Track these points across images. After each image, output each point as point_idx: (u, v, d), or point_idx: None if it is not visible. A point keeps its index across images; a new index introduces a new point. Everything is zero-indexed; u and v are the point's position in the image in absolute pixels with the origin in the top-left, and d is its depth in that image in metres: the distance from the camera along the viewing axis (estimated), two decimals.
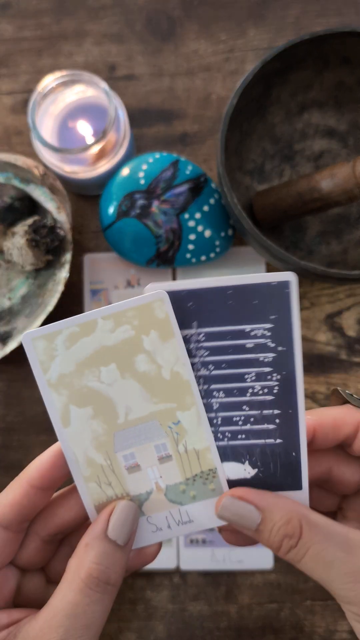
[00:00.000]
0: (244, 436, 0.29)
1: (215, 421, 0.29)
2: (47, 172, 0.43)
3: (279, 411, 0.28)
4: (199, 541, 0.45)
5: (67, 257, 0.42)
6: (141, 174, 0.42)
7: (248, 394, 0.28)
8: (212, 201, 0.43)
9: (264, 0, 0.49)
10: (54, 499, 0.29)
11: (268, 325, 0.28)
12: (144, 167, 0.42)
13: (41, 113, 0.42)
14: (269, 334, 0.28)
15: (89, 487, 0.29)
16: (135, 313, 0.28)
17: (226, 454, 0.29)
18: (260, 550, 0.45)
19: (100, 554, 0.26)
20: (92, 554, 0.26)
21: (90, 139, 0.44)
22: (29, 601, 0.29)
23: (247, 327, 0.28)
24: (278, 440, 0.29)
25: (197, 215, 0.42)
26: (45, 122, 0.43)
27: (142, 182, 0.42)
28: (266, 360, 0.28)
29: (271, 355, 0.28)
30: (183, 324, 0.28)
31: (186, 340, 0.29)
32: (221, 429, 0.29)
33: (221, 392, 0.29)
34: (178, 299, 0.28)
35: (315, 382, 0.46)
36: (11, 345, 0.43)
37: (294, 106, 0.45)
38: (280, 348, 0.28)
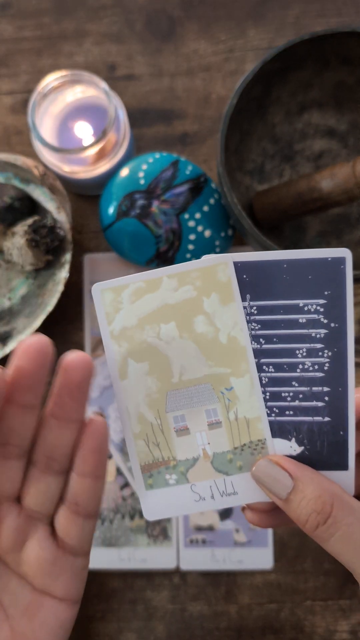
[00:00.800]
0: (291, 412, 0.29)
1: (263, 396, 0.29)
2: (47, 172, 0.43)
3: (328, 389, 0.28)
4: (199, 541, 0.45)
5: (67, 257, 0.42)
6: (141, 174, 0.42)
7: (298, 370, 0.28)
8: (212, 201, 0.43)
9: (264, 0, 0.49)
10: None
11: (322, 301, 0.28)
12: (144, 167, 0.42)
13: (41, 113, 0.42)
14: (322, 309, 0.28)
15: (137, 444, 0.29)
16: (199, 274, 0.28)
17: (273, 430, 0.29)
18: (260, 550, 0.45)
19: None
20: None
21: (90, 139, 0.44)
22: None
23: (301, 302, 0.28)
24: (326, 419, 0.28)
25: (197, 215, 0.42)
26: (45, 122, 0.43)
27: (142, 182, 0.42)
28: (318, 336, 0.28)
29: (323, 331, 0.28)
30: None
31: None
32: (269, 404, 0.29)
33: (271, 367, 0.29)
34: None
35: None
36: (11, 345, 0.43)
37: (294, 106, 0.45)
38: (332, 324, 0.28)
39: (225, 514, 0.45)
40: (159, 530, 0.45)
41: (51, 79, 0.41)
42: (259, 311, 0.28)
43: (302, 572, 0.45)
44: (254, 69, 0.38)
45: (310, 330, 0.28)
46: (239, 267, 0.29)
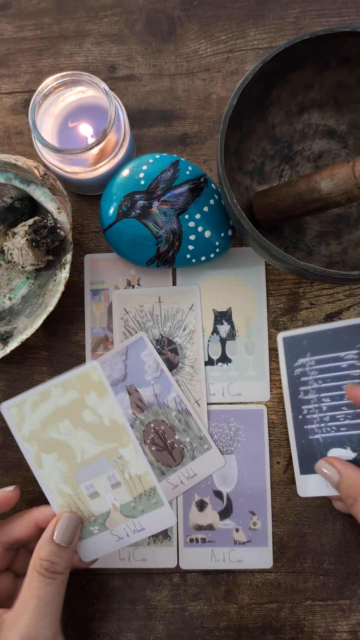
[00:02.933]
0: (345, 429, 0.42)
1: (325, 418, 0.43)
2: (47, 172, 0.43)
3: None
4: (199, 541, 0.45)
5: (68, 257, 0.42)
6: (141, 175, 0.42)
7: (345, 398, 0.42)
8: (212, 202, 0.43)
9: (264, 0, 0.49)
10: (11, 518, 0.40)
11: (355, 352, 0.43)
12: (144, 167, 0.42)
13: (41, 113, 0.42)
14: (356, 357, 0.43)
15: (63, 510, 0.39)
16: (78, 380, 0.38)
17: (333, 443, 0.42)
18: (260, 549, 0.45)
19: (48, 553, 0.36)
20: (42, 553, 0.36)
21: (90, 140, 0.44)
22: (5, 596, 0.40)
23: (342, 354, 0.43)
24: None
25: (197, 216, 0.42)
26: (46, 123, 0.43)
27: (142, 182, 0.42)
28: (355, 374, 0.42)
29: (358, 371, 0.42)
30: (300, 354, 0.44)
31: (302, 365, 0.44)
32: (329, 424, 0.42)
33: (327, 398, 0.43)
34: (297, 339, 0.44)
35: None
36: (11, 345, 0.43)
37: (294, 106, 0.45)
38: None
39: (225, 513, 0.45)
40: None
41: (52, 80, 0.41)
42: (316, 362, 0.43)
43: (302, 572, 0.45)
44: (254, 69, 0.38)
45: (350, 371, 0.43)
46: (300, 337, 0.44)
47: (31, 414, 0.38)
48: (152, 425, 0.46)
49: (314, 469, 0.40)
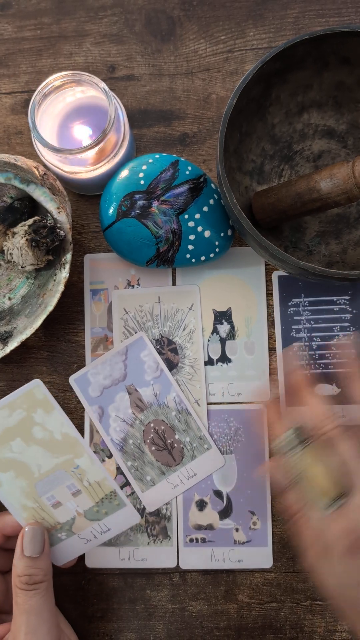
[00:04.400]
0: (332, 367, 0.46)
1: (314, 356, 0.46)
2: (47, 172, 0.43)
3: (354, 351, 0.45)
4: (199, 540, 0.45)
5: (68, 257, 0.42)
6: (141, 175, 0.42)
7: (335, 339, 0.46)
8: (211, 201, 0.43)
9: (264, 0, 0.49)
10: None
11: (347, 297, 0.46)
12: (144, 167, 0.42)
13: (41, 113, 0.42)
14: (347, 302, 0.46)
15: (28, 522, 0.40)
16: (23, 399, 0.40)
17: (320, 379, 0.45)
18: (259, 549, 0.45)
19: (24, 568, 0.37)
20: (18, 570, 0.37)
21: (90, 140, 0.44)
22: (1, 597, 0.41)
23: (334, 298, 0.46)
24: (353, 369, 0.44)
25: (197, 216, 0.42)
26: (46, 123, 0.43)
27: (142, 182, 0.42)
28: (346, 318, 0.46)
29: (349, 315, 0.46)
30: (294, 294, 0.46)
31: (296, 304, 0.46)
32: (318, 361, 0.46)
33: (318, 338, 0.46)
34: (292, 279, 0.46)
35: None
36: (11, 345, 0.43)
37: (294, 106, 0.45)
38: (354, 311, 0.46)
39: (225, 513, 0.45)
40: (158, 530, 0.45)
41: (51, 80, 0.41)
42: (309, 303, 0.46)
43: (302, 571, 0.45)
44: (253, 69, 0.38)
45: (341, 315, 0.46)
46: (294, 278, 0.46)
47: None
48: (152, 425, 0.46)
49: (256, 472, 0.41)
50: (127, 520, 0.42)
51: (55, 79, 0.41)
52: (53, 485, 0.41)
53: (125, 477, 0.45)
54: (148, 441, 0.46)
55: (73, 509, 0.41)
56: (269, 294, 0.47)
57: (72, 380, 0.46)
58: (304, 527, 0.36)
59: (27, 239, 0.42)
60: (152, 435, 0.46)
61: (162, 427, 0.46)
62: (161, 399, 0.46)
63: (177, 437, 0.45)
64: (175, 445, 0.45)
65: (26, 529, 0.39)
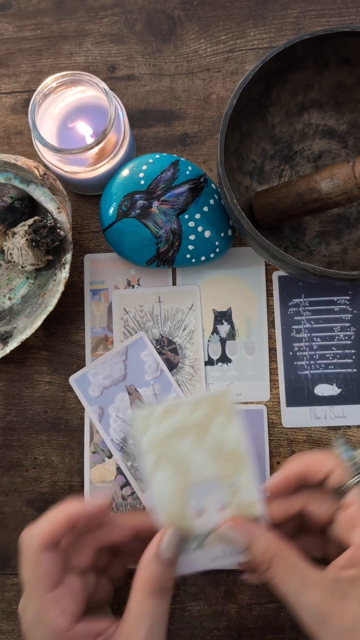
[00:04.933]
0: (332, 367, 0.46)
1: (315, 356, 0.46)
2: (47, 172, 0.43)
3: (355, 351, 0.46)
4: None
5: (68, 257, 0.42)
6: (141, 175, 0.42)
7: (335, 339, 0.46)
8: (212, 202, 0.43)
9: (264, 0, 0.49)
10: (111, 521, 0.38)
11: (347, 298, 0.46)
12: (144, 167, 0.42)
13: (41, 113, 0.42)
14: (348, 302, 0.46)
15: (167, 524, 0.38)
16: (208, 402, 0.38)
17: (321, 379, 0.46)
18: None
19: (157, 571, 0.34)
20: (150, 573, 0.34)
21: (90, 140, 0.44)
22: (103, 599, 0.39)
23: (335, 298, 0.46)
24: (354, 370, 0.46)
25: (197, 216, 0.42)
26: (46, 122, 0.43)
27: (142, 182, 0.42)
28: (346, 318, 0.46)
29: (349, 315, 0.46)
30: (295, 294, 0.46)
31: (296, 304, 0.46)
32: (318, 361, 0.46)
33: (318, 338, 0.46)
34: (292, 279, 0.46)
35: None
36: (11, 345, 0.43)
37: (294, 106, 0.45)
38: (355, 311, 0.46)
39: None
40: None
41: (51, 79, 0.41)
42: (310, 304, 0.46)
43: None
44: (254, 69, 0.38)
45: (341, 315, 0.46)
46: (295, 278, 0.46)
47: (156, 426, 0.38)
48: None
49: (217, 534, 0.38)
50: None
51: (55, 79, 0.41)
52: (204, 494, 0.38)
53: (125, 477, 0.45)
54: None
55: (213, 524, 0.38)
56: (269, 294, 0.47)
57: (72, 380, 0.46)
58: (286, 574, 0.34)
59: (27, 239, 0.42)
60: None
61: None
62: (161, 399, 0.46)
63: None
64: None
65: (168, 532, 0.36)
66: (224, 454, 0.39)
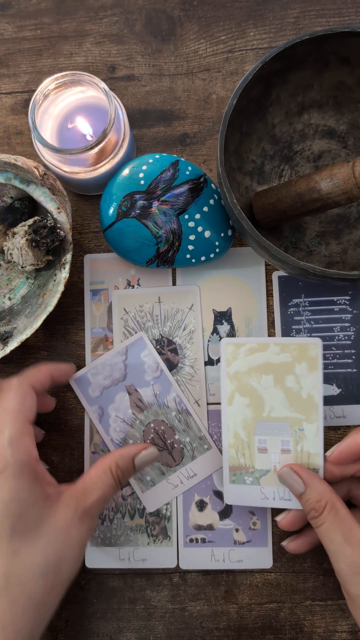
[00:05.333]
0: (332, 367, 0.46)
1: None
2: (47, 172, 0.43)
3: (354, 351, 0.46)
4: (199, 541, 0.45)
5: (68, 257, 0.42)
6: (141, 175, 0.42)
7: (335, 339, 0.46)
8: (211, 202, 0.43)
9: (264, 0, 0.49)
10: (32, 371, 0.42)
11: (347, 297, 0.46)
12: (144, 167, 0.42)
13: (41, 113, 0.42)
14: (348, 302, 0.46)
15: (230, 451, 0.42)
16: (297, 347, 0.41)
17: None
18: (259, 549, 0.45)
19: (125, 467, 0.39)
20: (121, 463, 0.39)
21: (90, 140, 0.44)
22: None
23: (335, 298, 0.46)
24: (354, 370, 0.46)
25: (197, 216, 0.42)
26: (46, 123, 0.43)
27: (142, 182, 0.42)
28: (346, 318, 0.46)
29: (349, 315, 0.46)
30: (295, 295, 0.46)
31: (296, 305, 0.46)
32: None
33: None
34: (292, 279, 0.46)
35: None
36: (11, 345, 0.43)
37: (294, 106, 0.45)
38: (355, 311, 0.46)
39: (225, 513, 0.45)
40: (158, 530, 0.45)
41: (51, 80, 0.41)
42: (310, 304, 0.46)
43: (302, 571, 0.45)
44: (254, 69, 0.38)
45: (341, 315, 0.46)
46: (295, 278, 0.45)
47: (244, 357, 0.41)
48: (152, 425, 0.46)
49: (277, 474, 0.41)
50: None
51: (55, 79, 0.41)
52: (272, 432, 0.41)
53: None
54: (148, 441, 0.45)
55: (273, 463, 0.41)
56: (269, 294, 0.47)
57: (72, 380, 0.46)
58: (334, 524, 0.36)
59: (27, 239, 0.42)
60: (152, 435, 0.46)
61: (162, 428, 0.46)
62: (161, 399, 0.46)
63: (177, 437, 0.45)
64: (175, 445, 0.45)
65: (153, 450, 0.40)
66: (299, 400, 0.40)
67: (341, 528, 0.36)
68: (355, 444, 0.39)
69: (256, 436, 0.41)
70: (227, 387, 0.41)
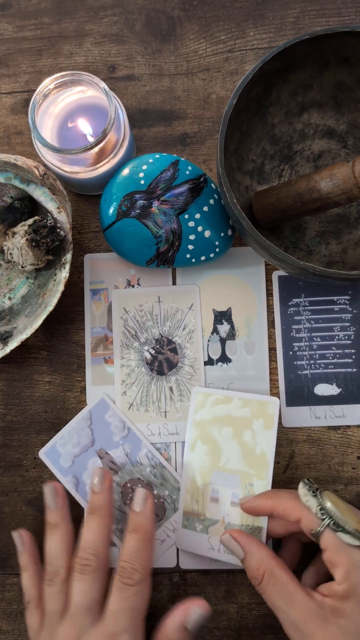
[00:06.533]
0: (332, 366, 0.46)
1: (314, 356, 0.46)
2: (47, 172, 0.43)
3: (354, 350, 0.46)
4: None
5: (68, 257, 0.42)
6: (141, 175, 0.42)
7: (335, 339, 0.46)
8: (211, 201, 0.43)
9: (264, 0, 0.49)
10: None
11: (347, 297, 0.46)
12: (144, 167, 0.42)
13: (41, 113, 0.42)
14: (348, 302, 0.46)
15: (185, 496, 0.43)
16: (257, 404, 0.43)
17: (321, 378, 0.46)
18: None
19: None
20: (174, 637, 0.38)
21: (90, 139, 0.44)
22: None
23: (335, 298, 0.46)
24: (354, 369, 0.46)
25: (197, 216, 0.42)
26: (46, 122, 0.43)
27: (142, 182, 0.42)
28: (346, 318, 0.46)
29: (349, 315, 0.46)
30: (295, 294, 0.46)
31: (296, 304, 0.46)
32: (318, 361, 0.46)
33: (318, 338, 0.46)
34: (292, 279, 0.46)
35: None
36: (11, 345, 0.43)
37: (294, 106, 0.45)
38: (355, 311, 0.46)
39: None
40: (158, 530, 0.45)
41: (51, 79, 0.41)
42: (310, 303, 0.46)
43: (302, 571, 0.45)
44: (254, 69, 0.38)
45: (341, 315, 0.46)
46: (295, 278, 0.46)
47: (210, 407, 0.43)
48: (128, 485, 0.45)
49: (220, 541, 0.41)
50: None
51: (55, 79, 0.41)
52: (225, 483, 0.42)
53: (113, 542, 0.44)
54: (128, 502, 0.45)
55: (222, 514, 0.42)
56: (269, 294, 0.47)
57: (42, 454, 0.46)
58: (274, 592, 0.36)
59: (27, 239, 0.42)
60: (130, 495, 0.45)
61: (139, 486, 0.44)
62: (133, 457, 0.45)
63: (155, 492, 0.45)
64: (156, 500, 0.44)
65: (200, 609, 0.38)
66: (253, 455, 0.42)
67: (282, 595, 0.36)
68: (262, 509, 0.39)
69: (210, 485, 0.42)
70: (191, 433, 0.43)
